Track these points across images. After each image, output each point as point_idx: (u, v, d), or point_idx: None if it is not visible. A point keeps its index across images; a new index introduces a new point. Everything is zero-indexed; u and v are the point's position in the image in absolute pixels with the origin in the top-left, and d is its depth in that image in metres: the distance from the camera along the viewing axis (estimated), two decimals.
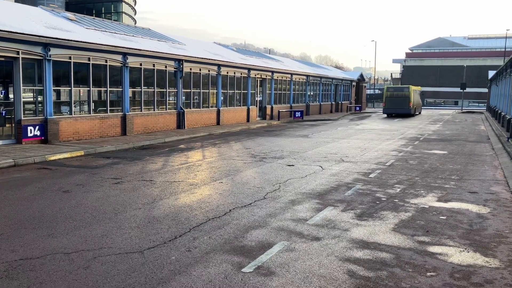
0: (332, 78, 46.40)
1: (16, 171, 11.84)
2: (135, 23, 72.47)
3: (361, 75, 57.89)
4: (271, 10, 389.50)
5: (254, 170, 12.31)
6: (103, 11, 67.53)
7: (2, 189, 9.68)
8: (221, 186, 10.17)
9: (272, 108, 33.63)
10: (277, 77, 34.41)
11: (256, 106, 31.98)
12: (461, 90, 60.70)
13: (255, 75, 31.07)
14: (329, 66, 69.58)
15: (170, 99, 23.21)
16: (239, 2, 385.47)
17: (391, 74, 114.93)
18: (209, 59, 25.59)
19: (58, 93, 17.60)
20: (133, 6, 77.27)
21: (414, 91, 42.91)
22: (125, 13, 70.29)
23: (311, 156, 14.99)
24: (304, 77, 39.47)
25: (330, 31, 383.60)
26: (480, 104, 74.69)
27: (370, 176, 11.63)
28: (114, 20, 39.30)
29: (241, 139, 20.28)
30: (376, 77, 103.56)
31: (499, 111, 31.86)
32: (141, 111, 21.14)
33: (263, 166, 12.96)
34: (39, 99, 16.43)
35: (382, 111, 45.73)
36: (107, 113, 19.16)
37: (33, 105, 16.40)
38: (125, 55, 19.65)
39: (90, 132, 18.24)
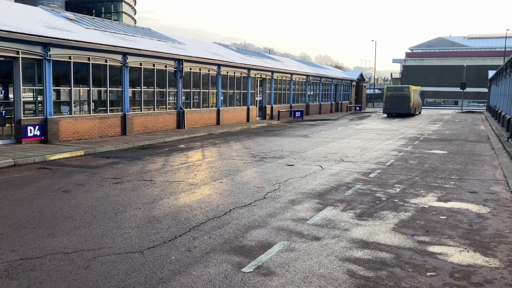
0: (332, 78, 46.39)
1: (16, 171, 11.84)
2: (135, 23, 72.45)
3: (361, 75, 57.87)
4: (271, 10, 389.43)
5: (254, 170, 12.31)
6: (103, 11, 67.49)
7: (2, 189, 9.67)
8: (221, 186, 10.16)
9: (272, 108, 33.63)
10: (277, 77, 34.41)
11: (256, 106, 31.98)
12: (461, 90, 60.67)
13: (255, 75, 31.06)
14: (329, 66, 69.59)
15: (170, 99, 23.21)
16: (239, 2, 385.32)
17: (391, 74, 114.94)
18: (209, 59, 25.59)
19: (58, 93, 17.59)
20: (133, 6, 77.23)
21: (414, 91, 42.92)
22: (125, 13, 70.26)
23: (311, 156, 14.99)
24: (304, 77, 39.46)
25: (330, 31, 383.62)
26: (480, 104, 74.66)
27: (370, 176, 11.63)
28: (114, 20, 39.29)
29: (241, 139, 20.28)
30: (376, 77, 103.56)
31: (499, 111, 31.86)
32: (141, 111, 21.14)
33: (263, 166, 12.96)
34: (39, 99, 16.42)
35: (382, 111, 45.74)
36: (107, 113, 19.16)
37: (33, 105, 16.40)
38: (125, 55, 19.65)
39: (90, 132, 18.23)
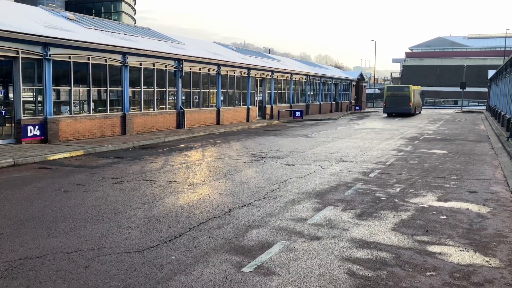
0: (332, 78, 46.39)
1: (16, 170, 11.84)
2: (135, 22, 72.42)
3: (361, 75, 57.88)
4: (271, 10, 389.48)
5: (254, 169, 12.31)
6: (102, 11, 67.45)
7: (2, 188, 9.67)
8: (221, 186, 10.16)
9: (272, 107, 33.63)
10: (277, 77, 34.41)
11: (256, 105, 31.98)
12: (461, 90, 60.67)
13: (255, 74, 31.06)
14: (329, 66, 69.60)
15: (170, 98, 23.21)
16: (239, 1, 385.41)
17: (391, 73, 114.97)
18: (209, 58, 25.59)
19: (58, 92, 17.59)
20: (133, 5, 77.20)
21: (414, 90, 42.94)
22: (125, 13, 70.24)
23: (311, 156, 14.99)
24: (304, 76, 39.46)
25: (330, 30, 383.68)
26: (479, 104, 74.67)
27: (370, 175, 11.63)
28: (114, 20, 39.28)
29: (241, 139, 20.28)
30: (376, 77, 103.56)
31: (499, 111, 31.86)
32: (141, 110, 21.14)
33: (263, 165, 12.96)
34: (39, 98, 16.42)
35: (382, 110, 45.76)
36: (107, 112, 19.16)
37: (33, 105, 16.40)
38: (125, 54, 19.64)
39: (90, 131, 18.23)
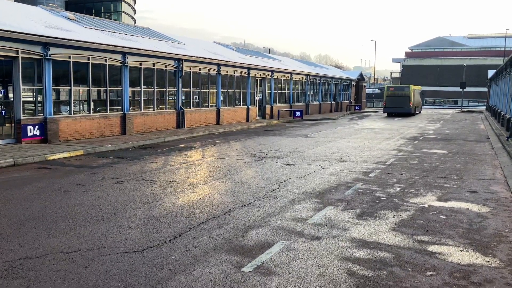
0: (332, 78, 46.39)
1: (16, 170, 11.83)
2: (135, 22, 72.39)
3: (361, 75, 57.89)
4: (270, 10, 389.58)
5: (254, 169, 12.31)
6: (102, 11, 67.41)
7: (2, 188, 9.67)
8: (220, 186, 10.16)
9: (271, 107, 33.62)
10: (277, 77, 34.40)
11: (256, 105, 31.98)
12: (461, 90, 60.70)
13: (255, 74, 31.06)
14: (328, 66, 69.59)
15: (169, 98, 23.20)
16: (239, 1, 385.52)
17: (391, 73, 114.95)
18: (209, 58, 25.58)
19: (57, 92, 17.59)
20: (133, 5, 77.16)
21: (415, 90, 42.95)
22: (125, 13, 70.19)
23: (311, 156, 14.99)
24: (304, 76, 39.46)
25: (329, 30, 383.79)
26: (479, 104, 74.68)
27: (370, 175, 11.63)
28: (113, 20, 39.27)
29: (240, 139, 20.28)
30: (375, 77, 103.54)
31: (499, 111, 31.86)
32: (140, 110, 21.13)
33: (263, 165, 12.96)
34: (38, 98, 16.41)
35: (382, 110, 45.77)
36: (106, 112, 19.16)
37: (33, 105, 16.39)
38: (124, 54, 19.64)
39: (90, 131, 18.23)
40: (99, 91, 19.40)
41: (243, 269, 5.41)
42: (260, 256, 5.83)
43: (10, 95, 15.81)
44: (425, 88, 66.65)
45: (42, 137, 16.29)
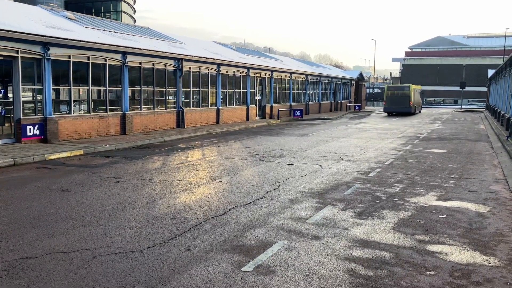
0: (332, 77, 46.38)
1: (16, 170, 11.83)
2: (135, 22, 72.38)
3: (361, 74, 57.87)
4: (270, 9, 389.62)
5: (254, 169, 12.31)
6: (102, 10, 67.39)
7: (2, 188, 9.67)
8: (220, 185, 10.16)
9: (271, 107, 33.62)
10: (277, 76, 34.40)
11: (256, 105, 31.98)
12: (461, 89, 60.69)
13: (255, 74, 31.05)
14: (328, 65, 69.60)
15: (169, 98, 23.20)
16: (239, 1, 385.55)
17: (391, 73, 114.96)
18: (209, 58, 25.58)
19: (57, 92, 17.58)
20: (132, 5, 77.13)
21: (415, 90, 42.97)
22: (125, 12, 70.17)
23: (311, 155, 14.99)
24: (304, 76, 39.46)
25: (329, 30, 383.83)
26: (479, 103, 74.66)
27: (370, 175, 11.63)
28: (113, 19, 39.29)
29: (240, 138, 20.28)
30: (375, 76, 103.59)
31: (499, 110, 31.86)
32: (140, 110, 21.13)
33: (263, 165, 12.96)
34: (38, 98, 16.41)
35: (382, 109, 45.80)
36: (106, 112, 19.15)
37: (33, 104, 16.39)
38: (124, 54, 19.63)
39: (90, 131, 18.23)
40: (98, 91, 19.40)
41: (243, 269, 5.41)
42: (260, 256, 5.83)
43: (10, 95, 15.81)
44: (425, 87, 66.71)
45: (42, 137, 16.28)
